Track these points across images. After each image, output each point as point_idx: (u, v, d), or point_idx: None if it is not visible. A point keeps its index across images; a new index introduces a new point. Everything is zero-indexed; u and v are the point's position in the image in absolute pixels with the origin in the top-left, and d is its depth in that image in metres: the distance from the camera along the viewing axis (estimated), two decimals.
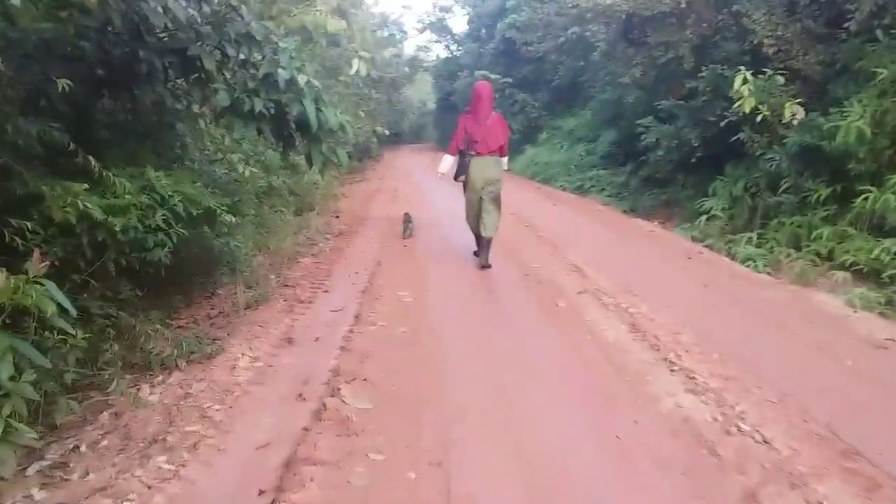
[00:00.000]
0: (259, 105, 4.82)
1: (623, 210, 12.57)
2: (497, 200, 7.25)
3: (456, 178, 7.23)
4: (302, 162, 9.05)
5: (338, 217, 10.73)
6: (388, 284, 6.49)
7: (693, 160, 11.20)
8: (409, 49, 37.29)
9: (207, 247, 5.50)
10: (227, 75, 5.14)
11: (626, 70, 13.31)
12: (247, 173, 7.24)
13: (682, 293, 6.21)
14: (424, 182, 16.37)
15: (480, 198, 7.11)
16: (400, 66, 32.36)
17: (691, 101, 11.24)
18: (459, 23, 36.46)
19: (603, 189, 14.93)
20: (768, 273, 7.22)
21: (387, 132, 18.96)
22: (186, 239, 4.58)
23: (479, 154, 7.01)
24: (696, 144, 11.07)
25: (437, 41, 37.16)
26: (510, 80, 23.63)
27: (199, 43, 4.78)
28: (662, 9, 11.54)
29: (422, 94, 45.35)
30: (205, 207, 4.84)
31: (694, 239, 9.44)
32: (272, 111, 4.98)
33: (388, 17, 33.31)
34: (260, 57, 5.08)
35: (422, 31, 36.60)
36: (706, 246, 8.81)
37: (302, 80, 4.90)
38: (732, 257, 8.07)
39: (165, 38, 4.90)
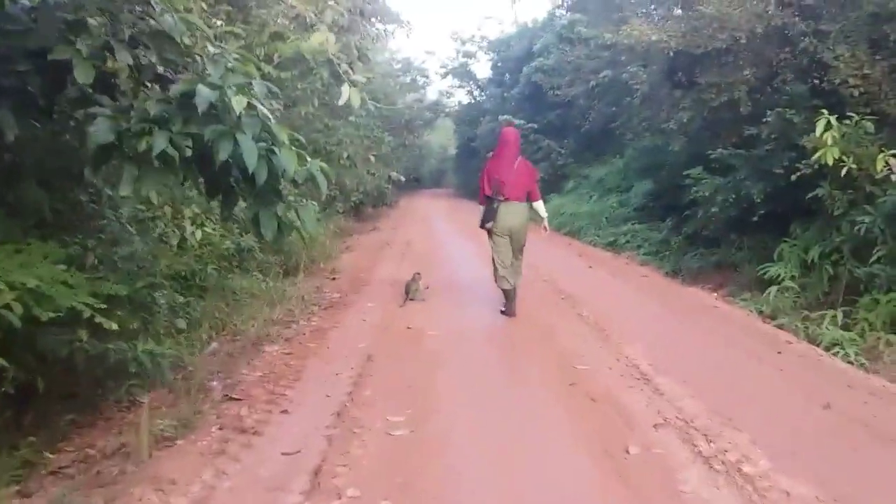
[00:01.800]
0: (161, 143, 2.88)
1: (665, 272, 10.56)
2: (522, 251, 6.99)
3: (482, 225, 6.80)
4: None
5: (334, 279, 8.74)
6: (378, 399, 4.44)
7: (755, 218, 9.21)
8: (430, 94, 35.81)
9: (98, 355, 3.53)
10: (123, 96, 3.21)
11: (671, 115, 11.46)
12: (198, 235, 5.33)
13: (805, 426, 4.11)
14: (442, 232, 14.38)
15: (509, 245, 6.78)
16: (421, 111, 30.79)
17: (752, 150, 9.31)
18: (482, 68, 35.00)
19: (639, 246, 12.94)
20: (862, 364, 5.45)
21: (402, 178, 17.14)
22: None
23: (507, 200, 6.64)
24: (759, 200, 9.08)
25: (459, 86, 35.59)
26: (535, 125, 21.82)
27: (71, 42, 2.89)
28: (717, 45, 9.79)
29: (443, 139, 43.93)
30: (65, 307, 2.87)
31: (762, 314, 7.47)
32: (190, 153, 3.04)
33: (412, 63, 31.85)
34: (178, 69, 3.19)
35: (444, 76, 35.03)
36: (778, 326, 6.90)
37: (237, 104, 2.96)
38: (812, 340, 6.22)
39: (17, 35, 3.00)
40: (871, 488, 3.31)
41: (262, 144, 3.18)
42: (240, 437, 3.79)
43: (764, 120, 8.69)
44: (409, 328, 6.25)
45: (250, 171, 3.00)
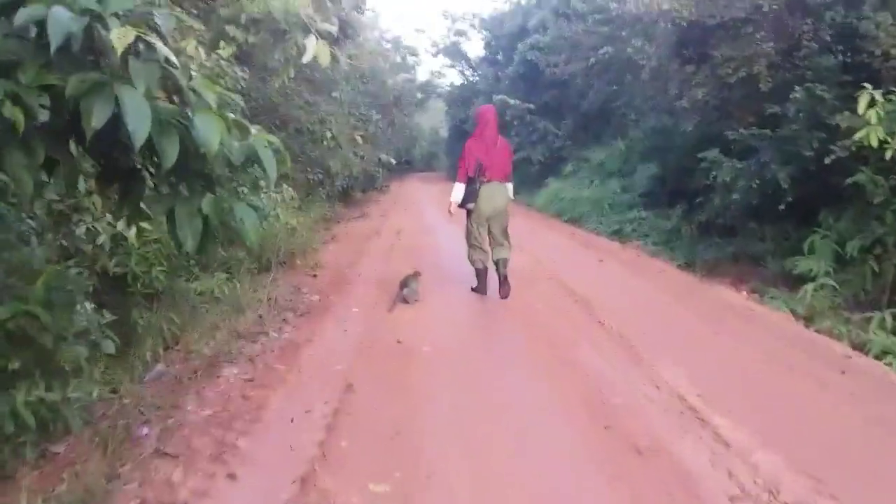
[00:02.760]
0: None
1: (678, 264, 9.48)
2: (506, 233, 6.76)
3: (463, 205, 6.57)
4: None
5: (315, 276, 7.55)
6: (356, 454, 3.28)
7: (781, 207, 8.13)
8: (421, 75, 34.42)
9: None
10: None
11: (683, 92, 10.36)
12: (132, 231, 4.17)
13: None
14: (434, 219, 13.18)
15: (486, 226, 6.65)
16: (412, 90, 29.47)
17: (777, 130, 8.22)
18: (474, 47, 33.74)
19: (647, 235, 11.88)
20: None
21: (392, 160, 15.95)
22: None
23: (489, 180, 6.47)
24: (786, 186, 8.00)
25: (451, 66, 34.20)
26: (530, 106, 20.58)
27: None
28: (736, 15, 8.74)
29: (434, 121, 42.62)
30: None
31: (796, 315, 6.51)
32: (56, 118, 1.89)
33: (402, 42, 30.46)
34: None
35: (435, 55, 33.63)
36: (817, 330, 5.97)
37: (119, 39, 1.80)
38: (858, 347, 5.32)
39: None
40: None
41: (169, 107, 2.02)
42: None
43: (791, 96, 7.64)
44: (398, 342, 5.07)
45: (137, 145, 1.83)
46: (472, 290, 6.85)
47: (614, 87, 17.73)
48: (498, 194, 6.54)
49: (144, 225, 4.27)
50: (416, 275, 6.65)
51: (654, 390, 4.21)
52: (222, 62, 5.93)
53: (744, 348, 5.25)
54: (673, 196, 12.33)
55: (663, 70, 11.41)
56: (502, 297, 6.55)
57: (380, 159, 15.17)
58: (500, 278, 6.65)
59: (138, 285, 4.62)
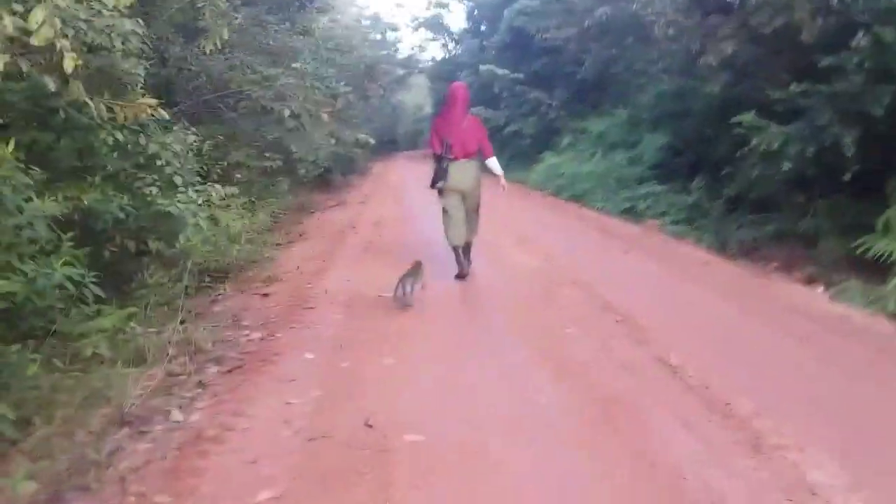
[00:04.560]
0: None
1: (708, 247, 7.69)
2: (477, 210, 6.40)
3: (433, 185, 6.17)
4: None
5: (266, 295, 5.58)
6: None
7: (847, 176, 6.37)
8: (403, 51, 32.18)
9: None
10: None
11: (707, 48, 8.56)
12: None
13: None
14: (419, 207, 10.96)
15: (460, 204, 6.17)
16: (392, 67, 27.28)
17: (835, 85, 6.41)
18: (456, 20, 31.60)
19: (664, 213, 10.09)
20: None
21: (371, 140, 13.91)
22: None
23: (456, 159, 6.03)
24: (851, 154, 6.30)
25: (433, 39, 32.00)
26: (520, 75, 18.52)
27: None
28: None
29: (418, 98, 40.43)
30: None
31: (888, 314, 4.87)
32: None
33: (381, 18, 28.19)
34: None
35: (416, 28, 31.39)
36: None
37: None
38: None
39: None
40: None
41: None
42: None
43: (852, 44, 6.07)
44: (368, 426, 3.11)
45: None
46: (456, 277, 6.22)
47: (613, 51, 15.75)
48: (466, 172, 6.14)
49: None
50: (417, 267, 5.38)
51: (771, 475, 2.35)
52: (105, 12, 3.89)
53: (875, 397, 3.36)
54: (691, 168, 10.66)
55: (681, 25, 9.54)
56: (459, 275, 6.17)
57: (357, 139, 13.11)
58: (462, 255, 6.26)
59: None
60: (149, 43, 4.74)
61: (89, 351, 3.47)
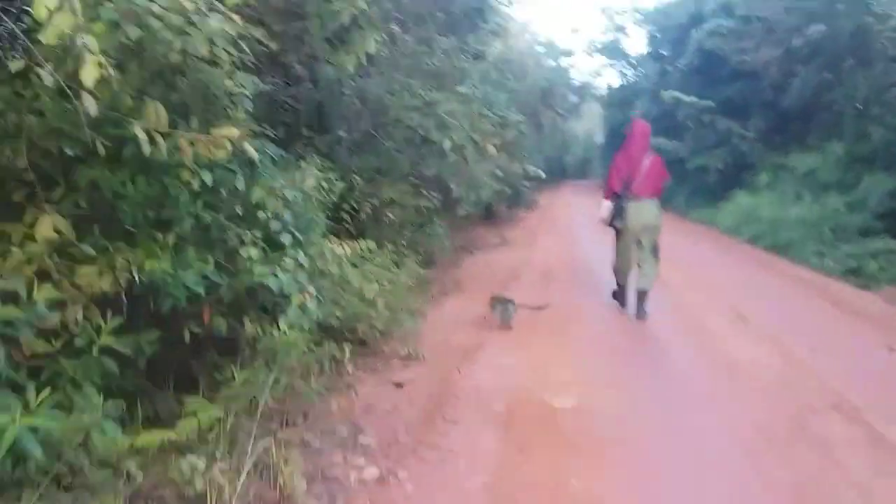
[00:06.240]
0: None
1: None
2: (656, 249, 6.04)
3: (610, 223, 6.07)
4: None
5: (399, 386, 4.15)
6: None
7: None
8: (576, 77, 30.41)
9: None
10: None
11: None
12: None
13: None
14: (596, 251, 9.06)
15: (637, 246, 5.98)
16: (566, 94, 25.70)
17: None
18: (634, 44, 29.45)
19: None
20: None
21: (543, 175, 12.52)
22: None
23: (638, 197, 5.84)
24: None
25: (609, 65, 30.03)
26: (710, 103, 16.27)
27: None
28: None
29: (588, 126, 38.59)
30: None
31: None
32: None
33: (555, 44, 26.73)
34: None
35: (593, 54, 29.60)
36: None
37: None
38: None
39: None
40: None
41: None
42: None
43: None
44: None
45: None
46: (612, 296, 6.43)
47: (825, 75, 13.23)
48: (648, 211, 5.95)
49: None
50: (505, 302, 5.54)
51: None
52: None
53: None
54: None
55: None
56: (636, 317, 6.00)
57: (526, 172, 11.71)
58: (638, 305, 6.04)
59: None
60: (256, 52, 3.55)
61: None
